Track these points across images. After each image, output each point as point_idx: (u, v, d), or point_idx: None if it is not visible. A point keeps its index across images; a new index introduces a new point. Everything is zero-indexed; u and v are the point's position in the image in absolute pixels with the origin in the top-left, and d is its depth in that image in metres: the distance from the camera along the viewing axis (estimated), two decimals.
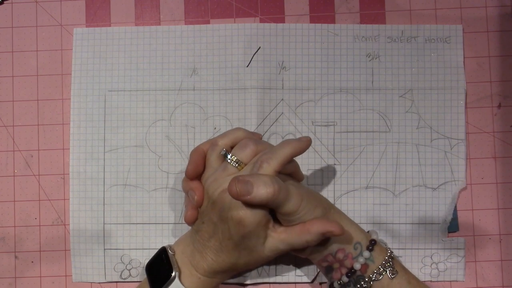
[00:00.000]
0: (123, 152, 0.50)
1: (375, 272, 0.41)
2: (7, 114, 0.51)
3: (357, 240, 0.42)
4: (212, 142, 0.43)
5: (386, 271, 0.41)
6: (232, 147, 0.42)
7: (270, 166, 0.39)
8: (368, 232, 0.44)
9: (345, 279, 0.41)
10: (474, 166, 0.50)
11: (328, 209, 0.42)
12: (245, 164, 0.40)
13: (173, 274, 0.41)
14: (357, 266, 0.41)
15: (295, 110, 0.50)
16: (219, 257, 0.41)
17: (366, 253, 0.41)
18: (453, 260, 0.49)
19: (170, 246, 0.44)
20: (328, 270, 0.43)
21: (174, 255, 0.43)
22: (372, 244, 0.41)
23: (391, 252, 0.42)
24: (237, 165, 0.40)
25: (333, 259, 0.42)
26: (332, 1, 0.51)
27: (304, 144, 0.41)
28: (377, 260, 0.41)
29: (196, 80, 0.50)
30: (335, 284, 0.43)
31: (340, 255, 0.42)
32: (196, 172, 0.42)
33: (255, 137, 0.43)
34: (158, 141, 0.50)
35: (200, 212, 0.42)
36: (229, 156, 0.41)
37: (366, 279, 0.41)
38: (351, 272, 0.41)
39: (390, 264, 0.41)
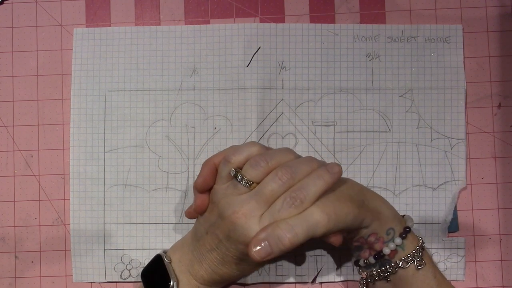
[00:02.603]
0: (123, 152, 0.50)
1: (402, 260, 0.40)
2: (7, 114, 0.51)
3: (390, 225, 0.40)
4: (225, 158, 0.40)
5: (414, 261, 0.40)
6: (245, 163, 0.40)
7: (303, 205, 0.36)
8: (403, 217, 0.42)
9: (372, 260, 0.41)
10: (474, 166, 0.50)
11: (361, 205, 0.39)
12: (257, 184, 0.38)
13: (170, 283, 0.40)
14: (386, 251, 0.40)
15: (295, 110, 0.50)
16: (219, 269, 0.40)
17: (398, 240, 0.40)
18: (453, 260, 0.49)
19: (165, 254, 0.43)
20: (357, 249, 0.42)
21: (170, 263, 0.42)
22: (406, 232, 0.40)
23: (423, 242, 0.41)
24: (248, 185, 0.38)
25: (364, 241, 0.41)
26: (332, 1, 0.51)
27: (337, 176, 0.38)
28: (408, 248, 0.40)
29: (196, 80, 0.50)
30: (361, 262, 0.42)
31: (371, 239, 0.40)
32: (205, 187, 0.41)
33: (269, 151, 0.40)
34: (158, 141, 0.50)
35: (204, 219, 0.41)
36: (239, 178, 0.38)
37: (393, 264, 0.40)
38: (379, 255, 0.40)
39: (419, 254, 0.40)
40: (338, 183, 0.39)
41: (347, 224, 0.37)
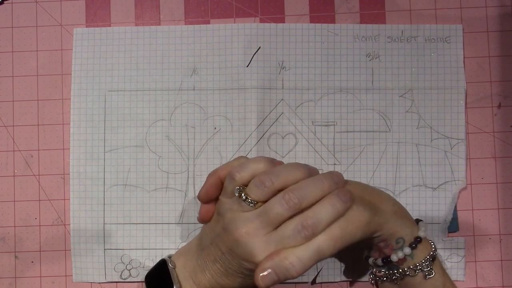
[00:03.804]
0: (123, 152, 0.50)
1: (411, 268, 0.39)
2: (7, 114, 0.51)
3: (401, 235, 0.39)
4: (230, 174, 0.39)
5: (422, 271, 0.39)
6: (250, 180, 0.38)
7: (313, 236, 0.35)
8: (418, 223, 0.41)
9: (380, 262, 0.40)
10: (474, 166, 0.50)
11: (371, 220, 0.37)
12: (262, 203, 0.37)
13: None
14: (394, 258, 0.39)
15: (295, 110, 0.50)
16: (222, 280, 0.40)
17: (407, 250, 0.39)
18: (453, 260, 0.49)
19: (170, 259, 0.42)
20: (367, 247, 0.42)
21: (174, 268, 0.42)
22: (417, 242, 0.39)
23: (435, 250, 0.40)
24: (252, 205, 0.37)
25: (374, 246, 0.41)
26: (332, 1, 0.51)
27: (349, 205, 0.36)
28: (417, 257, 0.39)
29: (196, 80, 0.50)
30: (370, 260, 0.42)
31: (381, 244, 0.40)
32: (207, 198, 0.41)
33: (276, 168, 0.38)
34: (158, 141, 0.50)
35: (210, 229, 0.41)
36: (243, 197, 0.37)
37: (400, 271, 0.40)
38: (387, 260, 0.40)
39: (428, 264, 0.39)
40: None
41: (355, 241, 0.37)
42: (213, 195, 0.41)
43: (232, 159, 0.48)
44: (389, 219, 0.39)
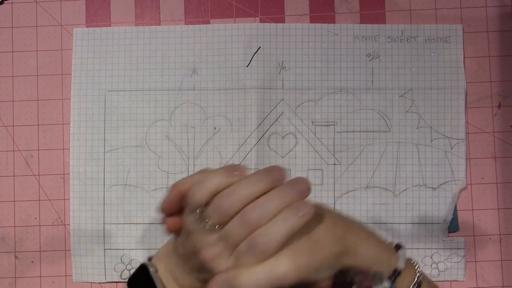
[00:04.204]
0: (123, 152, 0.50)
1: None
2: (7, 114, 0.51)
3: (377, 269, 0.36)
4: (189, 196, 0.35)
5: None
6: (210, 197, 0.35)
7: (265, 254, 0.32)
8: (398, 250, 0.38)
9: None
10: (474, 166, 0.50)
11: (340, 253, 0.35)
12: (225, 224, 0.34)
13: None
14: None
15: (295, 110, 0.50)
16: (204, 286, 0.37)
17: (386, 284, 0.36)
18: (453, 260, 0.49)
19: (150, 262, 0.40)
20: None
21: (157, 272, 0.40)
22: (396, 275, 0.36)
23: (420, 275, 0.37)
24: (214, 228, 0.34)
25: (351, 280, 0.38)
26: (332, 1, 0.51)
27: (305, 219, 0.32)
28: (401, 285, 0.36)
29: (196, 80, 0.50)
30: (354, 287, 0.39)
31: (357, 278, 0.37)
32: (170, 212, 0.38)
33: (235, 186, 0.34)
34: (158, 141, 0.50)
35: (180, 242, 0.38)
36: (205, 221, 0.34)
37: None
38: None
39: None
40: (317, 223, 0.35)
41: (323, 275, 0.34)
42: (175, 208, 0.38)
43: (228, 160, 0.49)
44: (363, 253, 0.36)
